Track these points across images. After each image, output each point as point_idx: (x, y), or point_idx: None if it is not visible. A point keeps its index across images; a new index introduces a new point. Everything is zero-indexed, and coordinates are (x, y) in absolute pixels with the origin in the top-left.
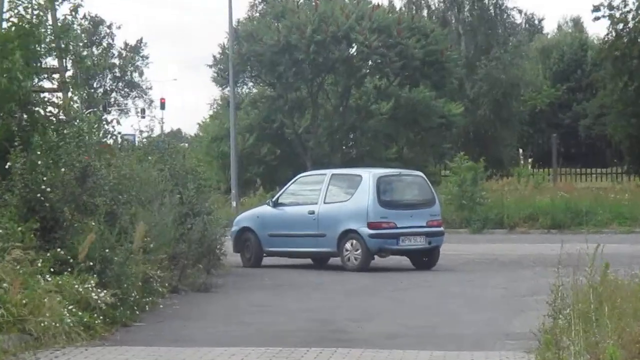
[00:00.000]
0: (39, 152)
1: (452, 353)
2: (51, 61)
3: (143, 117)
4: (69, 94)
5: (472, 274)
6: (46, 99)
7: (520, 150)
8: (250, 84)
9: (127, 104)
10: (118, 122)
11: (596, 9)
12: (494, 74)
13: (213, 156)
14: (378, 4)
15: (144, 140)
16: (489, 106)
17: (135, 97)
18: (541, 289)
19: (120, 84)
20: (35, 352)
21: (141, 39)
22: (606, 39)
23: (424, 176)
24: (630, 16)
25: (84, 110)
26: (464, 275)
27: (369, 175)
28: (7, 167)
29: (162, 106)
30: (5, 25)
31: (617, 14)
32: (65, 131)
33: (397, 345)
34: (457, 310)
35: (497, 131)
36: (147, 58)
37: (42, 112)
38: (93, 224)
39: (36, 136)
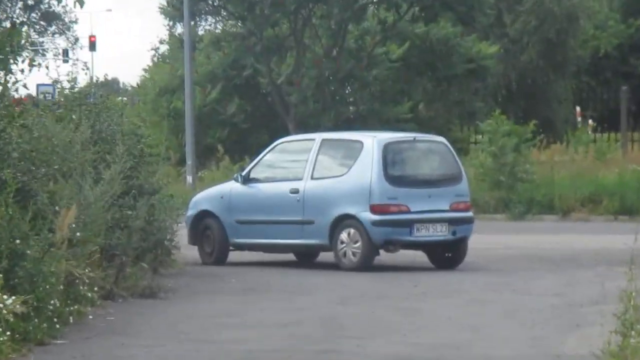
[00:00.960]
0: None
1: None
2: None
3: (65, 61)
4: None
5: (511, 275)
6: None
7: (578, 109)
8: (212, 17)
9: (43, 42)
10: (31, 65)
11: None
12: (545, 3)
13: (162, 115)
14: None
15: (66, 92)
16: (536, 48)
17: (55, 33)
18: (606, 296)
19: (33, 15)
20: None
21: None
22: None
23: (446, 143)
24: None
25: None
26: (500, 276)
27: (372, 142)
28: None
29: (92, 46)
30: None
31: None
32: None
33: None
34: (490, 325)
35: (548, 82)
36: None
37: None
38: None
39: None
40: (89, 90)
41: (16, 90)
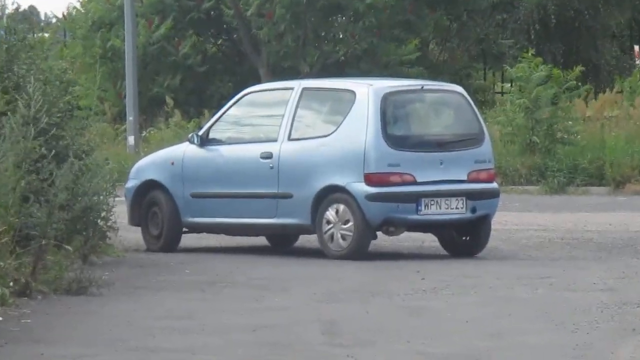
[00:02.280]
0: None
1: None
2: None
3: None
4: None
5: (548, 265)
6: None
7: (637, 48)
8: None
9: None
10: None
11: None
12: None
13: (96, 56)
14: None
15: None
16: None
17: None
18: None
19: None
20: None
21: None
22: None
23: (464, 93)
24: None
25: None
26: (533, 267)
27: (367, 91)
28: None
29: None
30: None
31: None
32: None
33: None
34: (520, 329)
35: (597, 14)
36: None
37: None
38: None
39: None
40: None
41: None
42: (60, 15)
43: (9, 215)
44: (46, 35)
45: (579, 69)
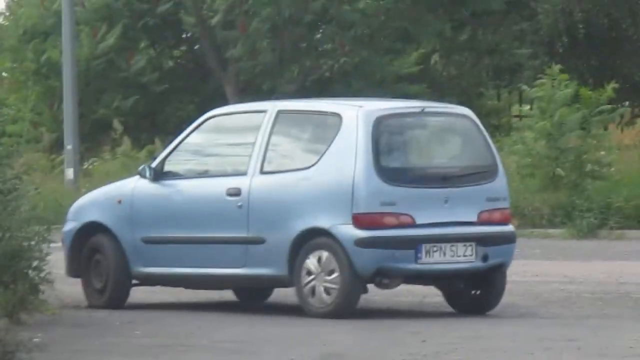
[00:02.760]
0: None
1: None
2: None
3: None
4: None
5: (575, 325)
6: None
7: None
8: None
9: None
10: None
11: None
12: None
13: (27, 71)
14: None
15: None
16: None
17: None
18: None
19: None
20: None
21: None
22: None
23: (473, 116)
24: None
25: None
26: (557, 327)
27: (356, 114)
28: None
29: None
30: None
31: None
32: None
33: None
34: None
35: (634, 23)
36: None
37: None
38: None
39: None
40: None
41: None
42: None
43: None
44: None
45: (612, 86)
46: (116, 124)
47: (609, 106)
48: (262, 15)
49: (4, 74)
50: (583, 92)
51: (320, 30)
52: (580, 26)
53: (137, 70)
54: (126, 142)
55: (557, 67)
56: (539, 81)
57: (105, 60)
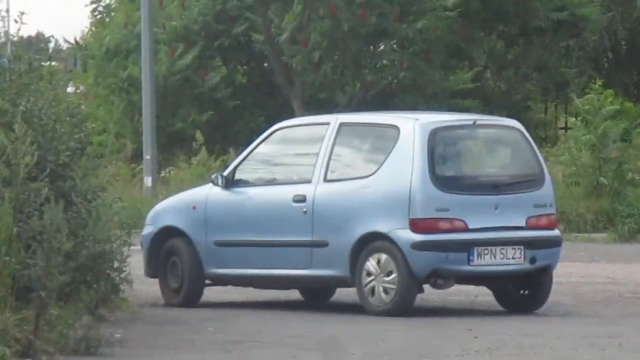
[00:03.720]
0: None
1: None
2: None
3: None
4: None
5: (617, 323)
6: None
7: None
8: None
9: None
10: None
11: None
12: None
13: (111, 86)
14: None
15: None
16: None
17: None
18: None
19: None
20: None
21: None
22: None
23: (522, 128)
24: None
25: None
26: (601, 325)
27: (413, 126)
28: None
29: None
30: None
31: None
32: None
33: None
34: None
35: None
36: None
37: None
38: None
39: None
40: (4, 50)
41: None
42: (72, 42)
43: (8, 269)
44: (55, 64)
45: None
46: (198, 135)
47: None
48: (322, 29)
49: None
50: (626, 106)
51: (381, 46)
52: (623, 43)
53: (211, 86)
54: (202, 152)
55: (599, 82)
56: (586, 96)
57: (182, 77)
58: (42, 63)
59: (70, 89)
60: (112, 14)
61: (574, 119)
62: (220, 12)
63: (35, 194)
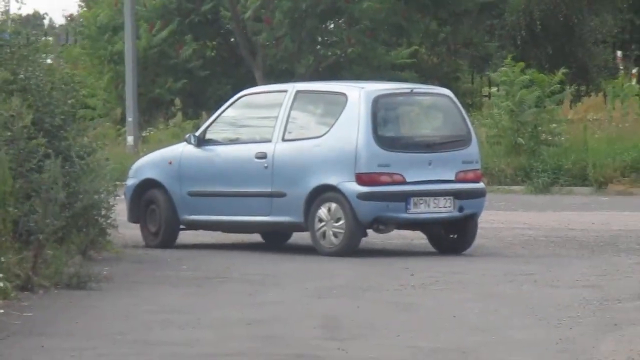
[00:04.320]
0: None
1: None
2: None
3: None
4: None
5: (532, 262)
6: None
7: (619, 53)
8: None
9: None
10: None
11: None
12: None
13: (103, 59)
14: None
15: None
16: None
17: None
18: None
19: None
20: None
21: None
22: None
23: (452, 96)
24: None
25: None
26: (518, 264)
27: (359, 94)
28: None
29: None
30: None
31: None
32: None
33: None
34: (506, 324)
35: (582, 20)
36: None
37: None
38: None
39: None
40: (5, 26)
41: None
42: (63, 20)
43: (11, 213)
44: (50, 39)
45: (562, 71)
46: (177, 101)
47: (559, 87)
48: (284, 9)
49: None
50: (536, 77)
51: (331, 25)
52: (538, 22)
53: (185, 58)
54: (178, 116)
55: (510, 56)
56: (501, 68)
57: (159, 50)
58: (38, 38)
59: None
60: None
61: (495, 89)
62: None
63: (34, 150)
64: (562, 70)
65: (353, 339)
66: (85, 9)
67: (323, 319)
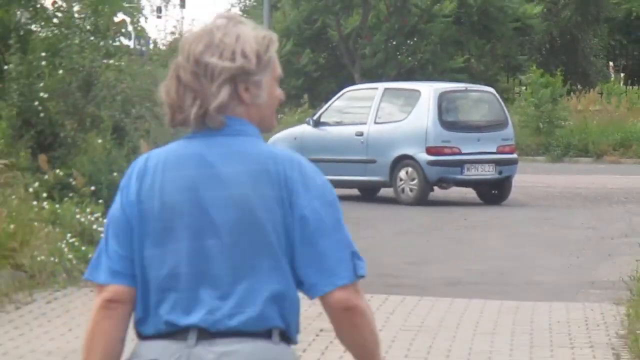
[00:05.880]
0: (41, 54)
1: (526, 304)
2: None
3: (159, 17)
4: None
5: (551, 210)
6: None
7: (611, 64)
8: None
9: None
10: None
11: None
12: None
13: None
14: None
15: (165, 41)
16: (574, 6)
17: None
18: (635, 229)
19: None
20: (31, 293)
21: None
22: None
23: (495, 93)
24: None
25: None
26: (541, 212)
27: (429, 90)
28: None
29: (182, 4)
30: None
31: None
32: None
33: (460, 293)
34: (532, 254)
35: (584, 38)
36: None
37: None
38: (99, 141)
39: (35, 33)
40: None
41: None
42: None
43: None
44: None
45: (560, 73)
46: (305, 96)
47: (568, 88)
48: (382, 29)
49: None
50: (549, 80)
51: (410, 42)
52: (558, 40)
53: (303, 64)
54: (307, 105)
55: (534, 64)
56: (528, 74)
57: (286, 59)
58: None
59: None
60: (245, 14)
61: (524, 88)
62: (306, 18)
63: None
64: (560, 70)
65: (423, 263)
66: None
67: (403, 249)
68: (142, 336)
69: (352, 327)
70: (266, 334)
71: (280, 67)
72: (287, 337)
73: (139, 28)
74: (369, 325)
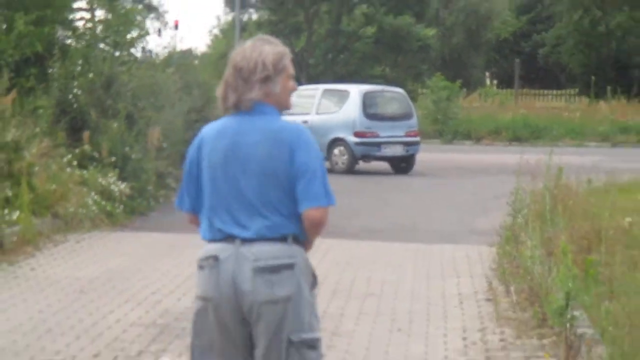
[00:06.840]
0: (79, 62)
1: (425, 245)
2: None
3: (159, 36)
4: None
5: (444, 179)
6: (79, 17)
7: (487, 73)
8: (255, 8)
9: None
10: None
11: None
12: (470, 6)
13: (221, 72)
14: None
15: (164, 51)
16: (463, 35)
17: (153, 18)
18: (504, 193)
19: (140, 5)
20: (65, 235)
21: None
22: None
23: (404, 92)
24: None
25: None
26: (437, 180)
27: (356, 91)
28: (48, 72)
29: (176, 27)
30: None
31: None
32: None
33: (378, 237)
34: (430, 210)
35: (468, 56)
36: None
37: (78, 26)
38: (115, 125)
39: (73, 47)
40: (176, 54)
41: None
42: (200, 52)
43: (181, 147)
44: (196, 62)
45: (459, 83)
46: None
47: (459, 90)
48: (322, 48)
49: None
50: (449, 85)
51: (342, 55)
52: (447, 56)
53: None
54: None
55: (438, 73)
56: (431, 79)
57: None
58: (193, 62)
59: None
60: (223, 34)
61: (426, 90)
62: None
63: None
64: (459, 82)
65: (355, 216)
66: (215, 38)
67: (337, 206)
68: (206, 241)
69: (315, 229)
70: (282, 239)
71: (293, 68)
72: (299, 240)
73: (145, 43)
74: (322, 229)
